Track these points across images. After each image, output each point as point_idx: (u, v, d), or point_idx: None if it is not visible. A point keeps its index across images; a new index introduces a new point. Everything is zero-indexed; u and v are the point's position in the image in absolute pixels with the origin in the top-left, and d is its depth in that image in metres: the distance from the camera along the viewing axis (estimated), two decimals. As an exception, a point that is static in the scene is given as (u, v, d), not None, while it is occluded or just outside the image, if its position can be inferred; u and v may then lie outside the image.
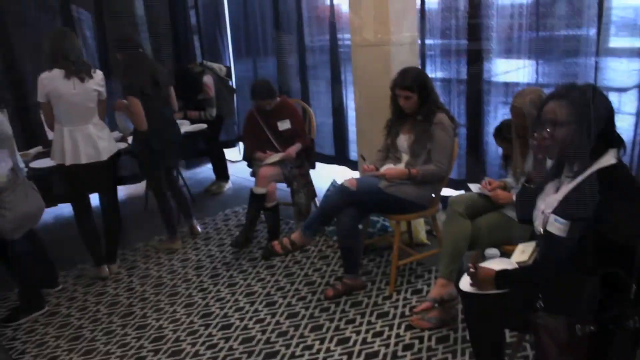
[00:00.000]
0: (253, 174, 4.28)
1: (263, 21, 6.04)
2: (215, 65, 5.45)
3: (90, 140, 3.69)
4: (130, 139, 4.41)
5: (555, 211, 1.97)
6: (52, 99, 3.59)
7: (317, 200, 4.51)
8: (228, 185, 5.73)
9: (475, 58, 4.20)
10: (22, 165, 3.55)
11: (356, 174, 5.12)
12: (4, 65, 5.03)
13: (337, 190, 3.39)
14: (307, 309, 3.39)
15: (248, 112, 4.40)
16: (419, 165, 3.39)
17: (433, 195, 3.50)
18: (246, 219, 4.18)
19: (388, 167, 3.48)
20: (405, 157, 3.50)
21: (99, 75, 3.74)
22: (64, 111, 3.62)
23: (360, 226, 3.59)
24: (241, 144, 6.66)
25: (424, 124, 3.37)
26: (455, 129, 3.47)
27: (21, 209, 3.36)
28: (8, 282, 3.89)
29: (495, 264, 2.20)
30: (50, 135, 4.52)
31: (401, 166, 3.48)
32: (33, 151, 4.55)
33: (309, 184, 4.31)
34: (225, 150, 5.95)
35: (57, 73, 3.57)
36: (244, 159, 4.40)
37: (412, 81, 3.35)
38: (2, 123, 3.21)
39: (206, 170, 6.39)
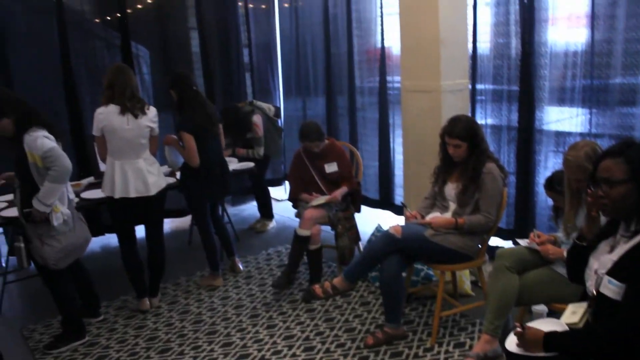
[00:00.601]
0: (298, 215, 4.28)
1: (315, 61, 6.13)
2: (265, 105, 5.53)
3: (140, 174, 3.77)
4: (178, 174, 4.49)
5: (610, 272, 1.89)
6: (106, 133, 3.70)
7: (361, 245, 4.47)
8: (272, 224, 5.74)
9: (527, 105, 4.15)
10: (72, 196, 3.65)
11: (401, 220, 5.05)
12: (64, 97, 5.23)
13: (382, 237, 3.35)
14: (345, 356, 3.32)
15: (295, 153, 4.43)
16: (466, 215, 3.33)
17: (480, 245, 3.42)
18: (289, 260, 4.16)
19: (434, 216, 3.43)
20: (452, 206, 3.45)
21: (152, 111, 3.84)
22: (117, 146, 3.72)
23: (403, 274, 3.52)
24: (287, 183, 6.71)
25: (473, 173, 3.32)
26: (504, 179, 3.41)
27: (69, 240, 3.44)
28: (52, 309, 3.96)
29: (544, 324, 2.11)
30: (102, 167, 4.65)
31: (448, 215, 3.43)
32: (85, 182, 4.67)
33: (353, 227, 4.27)
34: (271, 189, 5.99)
35: (112, 108, 3.68)
36: (289, 199, 4.41)
37: (462, 130, 3.31)
38: (64, 156, 3.29)
39: (251, 208, 6.43)
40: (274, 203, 5.88)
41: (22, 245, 3.47)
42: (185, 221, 5.78)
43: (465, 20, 4.18)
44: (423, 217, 3.48)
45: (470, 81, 4.32)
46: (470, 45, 4.30)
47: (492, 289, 2.94)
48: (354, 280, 3.47)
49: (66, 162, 3.28)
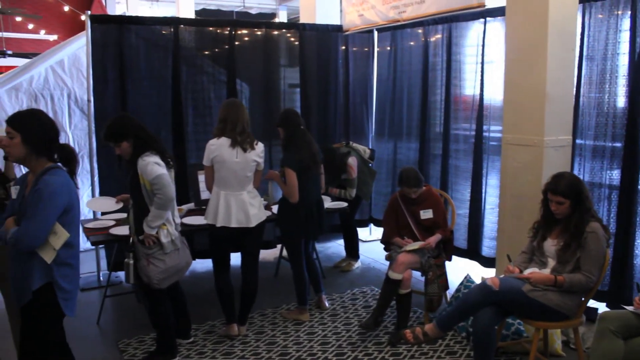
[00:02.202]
0: (388, 258, 4.31)
1: (410, 106, 6.20)
2: (361, 147, 5.65)
3: (243, 206, 3.94)
4: (274, 208, 4.65)
5: None
6: (215, 163, 3.91)
7: (448, 294, 4.44)
8: (357, 264, 5.79)
9: (631, 163, 4.06)
10: (178, 220, 3.86)
11: (489, 271, 5.00)
12: (171, 127, 5.56)
13: (479, 288, 3.34)
14: (432, 405, 3.29)
15: (392, 197, 4.49)
16: (566, 273, 3.27)
17: (578, 305, 3.34)
18: (378, 302, 4.18)
19: (533, 271, 3.39)
20: (551, 263, 3.40)
21: (260, 147, 4.03)
22: (224, 177, 3.91)
23: (496, 327, 3.47)
24: (372, 225, 6.76)
25: (576, 232, 3.28)
26: (608, 240, 3.34)
27: (173, 261, 3.63)
28: (146, 326, 4.17)
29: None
30: (203, 195, 4.89)
31: (546, 271, 3.38)
32: (185, 207, 4.90)
33: (443, 275, 4.26)
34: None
35: (224, 141, 3.89)
36: (382, 242, 4.45)
37: (566, 187, 3.29)
38: (169, 186, 3.50)
39: (335, 246, 6.52)
40: (359, 243, 5.93)
41: (132, 262, 3.70)
42: (271, 253, 5.92)
43: (573, 75, 4.16)
44: (521, 271, 3.44)
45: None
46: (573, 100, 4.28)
47: (595, 352, 2.86)
48: (447, 328, 3.47)
49: (170, 191, 3.48)
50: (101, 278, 5.36)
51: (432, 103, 5.91)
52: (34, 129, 2.70)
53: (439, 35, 5.75)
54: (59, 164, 2.80)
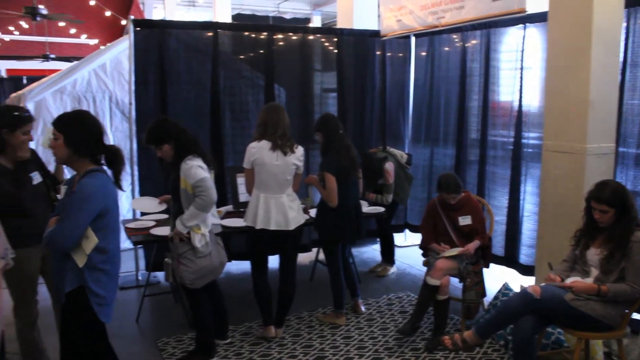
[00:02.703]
0: (425, 264, 4.30)
1: (447, 112, 6.19)
2: (398, 152, 5.65)
3: (282, 209, 3.97)
4: (311, 211, 4.67)
5: None
6: (256, 166, 3.95)
7: (486, 301, 4.41)
8: (392, 270, 5.77)
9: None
10: (217, 220, 3.90)
11: (528, 279, 4.94)
12: (209, 130, 5.64)
13: (520, 296, 3.31)
14: (471, 413, 3.27)
15: (430, 203, 4.47)
16: (609, 283, 3.22)
17: (622, 316, 3.28)
18: (416, 308, 4.17)
19: (575, 280, 3.34)
20: (594, 272, 3.35)
21: (300, 150, 4.06)
22: (264, 180, 3.96)
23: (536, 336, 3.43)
24: (407, 230, 6.74)
25: (620, 241, 3.22)
26: (654, 250, 3.27)
27: (204, 262, 3.66)
28: (184, 326, 4.28)
29: None
30: (241, 198, 4.95)
31: (589, 280, 3.33)
32: (224, 209, 4.96)
33: (481, 282, 4.22)
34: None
35: (264, 144, 3.93)
36: (420, 247, 4.44)
37: (610, 196, 3.24)
38: (212, 189, 3.55)
39: (371, 251, 6.52)
40: (395, 249, 5.92)
41: (171, 261, 3.75)
42: (307, 257, 5.95)
43: (617, 81, 4.10)
44: (563, 280, 3.40)
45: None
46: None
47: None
48: (486, 336, 3.44)
49: (213, 194, 3.53)
50: (139, 277, 5.46)
51: (469, 109, 5.88)
52: (76, 130, 2.69)
53: (477, 41, 5.73)
54: (104, 166, 2.79)
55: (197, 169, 3.51)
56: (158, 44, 5.36)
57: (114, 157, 2.79)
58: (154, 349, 4.12)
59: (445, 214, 4.29)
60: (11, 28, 17.78)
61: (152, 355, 4.03)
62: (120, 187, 2.81)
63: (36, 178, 3.34)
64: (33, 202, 3.22)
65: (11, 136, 3.17)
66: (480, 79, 5.69)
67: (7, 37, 18.41)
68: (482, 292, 4.26)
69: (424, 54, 6.46)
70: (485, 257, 4.36)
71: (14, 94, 6.89)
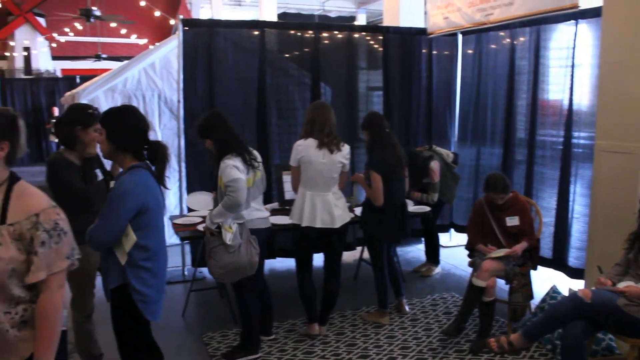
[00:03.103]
0: (471, 264, 4.25)
1: (494, 111, 6.09)
2: (444, 151, 5.59)
3: (328, 207, 3.98)
4: (357, 210, 4.67)
5: None
6: (302, 164, 3.97)
7: (532, 304, 4.32)
8: (437, 270, 5.72)
9: None
10: (266, 214, 3.92)
11: (577, 283, 4.82)
12: (255, 128, 5.70)
13: (569, 299, 3.23)
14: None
15: (477, 203, 4.41)
16: (665, 288, 3.11)
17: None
18: (461, 309, 4.12)
19: (628, 284, 3.24)
20: (648, 276, 3.24)
21: (346, 149, 4.07)
22: (310, 177, 3.97)
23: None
24: (453, 230, 6.67)
25: (678, 246, 3.11)
26: None
27: (230, 259, 3.62)
28: (229, 321, 4.37)
29: None
30: (287, 195, 4.99)
31: (643, 285, 3.22)
32: (269, 207, 4.98)
33: (528, 284, 4.14)
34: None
35: (311, 142, 3.95)
36: (466, 248, 4.39)
37: (667, 197, 3.13)
38: (242, 191, 3.52)
39: (415, 251, 6.48)
40: (440, 249, 5.86)
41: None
42: (352, 255, 5.95)
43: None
44: (614, 284, 3.30)
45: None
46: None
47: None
48: (533, 339, 3.38)
49: (241, 196, 3.51)
50: (186, 273, 5.56)
51: (517, 108, 5.77)
52: (117, 125, 2.68)
53: (525, 38, 5.61)
54: (148, 162, 2.77)
55: (231, 169, 3.52)
56: (206, 43, 5.44)
57: (156, 153, 2.76)
58: (199, 343, 4.19)
59: (493, 215, 4.22)
60: (66, 30, 18.43)
61: (197, 350, 4.10)
62: (163, 184, 2.78)
63: (99, 175, 3.45)
64: (97, 198, 3.29)
65: (84, 133, 3.28)
66: (529, 77, 5.57)
67: (62, 39, 19.11)
68: (530, 295, 4.18)
69: (471, 51, 6.36)
70: (533, 259, 4.27)
71: (68, 93, 7.13)
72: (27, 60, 20.32)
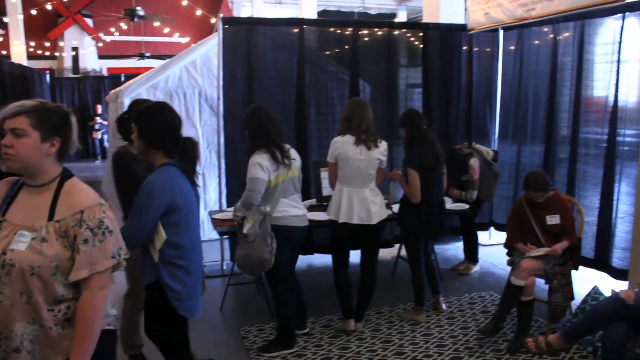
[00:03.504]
0: (510, 263, 4.19)
1: (535, 108, 5.98)
2: (483, 149, 5.53)
3: (365, 203, 3.98)
4: (394, 207, 4.65)
5: None
6: (339, 160, 3.98)
7: (573, 305, 4.23)
8: (475, 268, 5.66)
9: None
10: (303, 212, 3.95)
11: (621, 284, 4.70)
12: (294, 125, 5.74)
13: (611, 300, 3.16)
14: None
15: (517, 201, 4.35)
16: None
17: None
18: (498, 308, 4.07)
19: (673, 286, 3.15)
20: (695, 278, 3.14)
21: (383, 145, 4.06)
22: (347, 174, 3.98)
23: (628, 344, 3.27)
24: (492, 229, 6.58)
25: None
26: None
27: (243, 250, 3.69)
28: (266, 316, 4.43)
29: None
30: (325, 191, 5.01)
31: (689, 287, 3.13)
32: (307, 203, 5.02)
33: (568, 284, 4.06)
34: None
35: (348, 138, 3.96)
36: (505, 246, 4.33)
37: None
38: (257, 192, 3.59)
39: (454, 249, 6.42)
40: (479, 247, 5.80)
41: None
42: (389, 252, 5.94)
43: None
44: (658, 285, 3.22)
45: None
46: None
47: None
48: (573, 341, 3.32)
49: (255, 197, 3.57)
50: (224, 267, 5.64)
51: (560, 105, 5.65)
52: (147, 122, 2.66)
53: (569, 33, 5.49)
54: (179, 159, 2.75)
55: (255, 167, 3.56)
56: (246, 41, 5.50)
57: (184, 150, 2.74)
58: (236, 336, 4.25)
59: (532, 213, 4.15)
60: (112, 29, 18.92)
61: (234, 343, 4.17)
62: (193, 182, 2.76)
63: None
64: None
65: None
66: (572, 73, 5.45)
67: (108, 38, 19.63)
68: (570, 295, 4.09)
69: (512, 47, 6.26)
70: (574, 258, 4.18)
71: (112, 91, 7.30)
72: (75, 59, 20.99)
